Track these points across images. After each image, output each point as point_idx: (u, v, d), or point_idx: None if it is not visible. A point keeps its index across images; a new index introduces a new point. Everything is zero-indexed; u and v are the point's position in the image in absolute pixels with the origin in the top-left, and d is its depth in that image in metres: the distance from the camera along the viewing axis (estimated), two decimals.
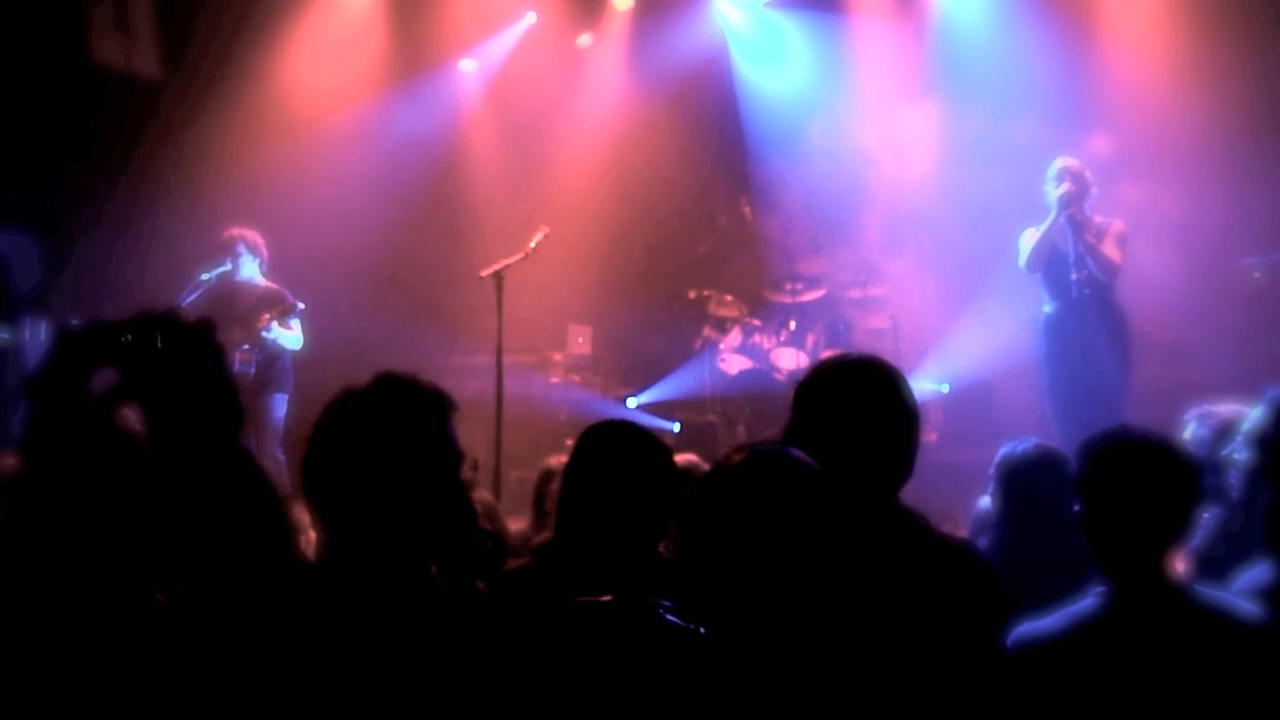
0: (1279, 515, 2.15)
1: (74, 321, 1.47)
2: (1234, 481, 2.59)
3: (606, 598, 1.80)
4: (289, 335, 5.91)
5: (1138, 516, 1.95)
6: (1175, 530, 1.97)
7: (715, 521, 1.62)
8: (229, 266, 5.96)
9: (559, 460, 3.34)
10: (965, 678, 1.71)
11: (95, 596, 1.48)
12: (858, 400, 1.86)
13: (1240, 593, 2.10)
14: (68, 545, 1.46)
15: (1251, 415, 2.53)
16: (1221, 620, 1.91)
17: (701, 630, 1.66)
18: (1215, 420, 2.91)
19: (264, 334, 5.81)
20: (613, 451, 2.29)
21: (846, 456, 1.81)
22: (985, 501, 3.16)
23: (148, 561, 1.53)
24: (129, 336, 1.44)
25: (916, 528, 1.84)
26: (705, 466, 3.26)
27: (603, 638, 1.73)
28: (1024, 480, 2.73)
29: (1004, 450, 2.84)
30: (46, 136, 6.33)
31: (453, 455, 1.73)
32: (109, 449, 1.47)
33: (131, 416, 1.50)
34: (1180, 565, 2.22)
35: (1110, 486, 1.98)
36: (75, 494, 1.45)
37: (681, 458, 3.33)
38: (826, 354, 7.55)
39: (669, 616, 1.72)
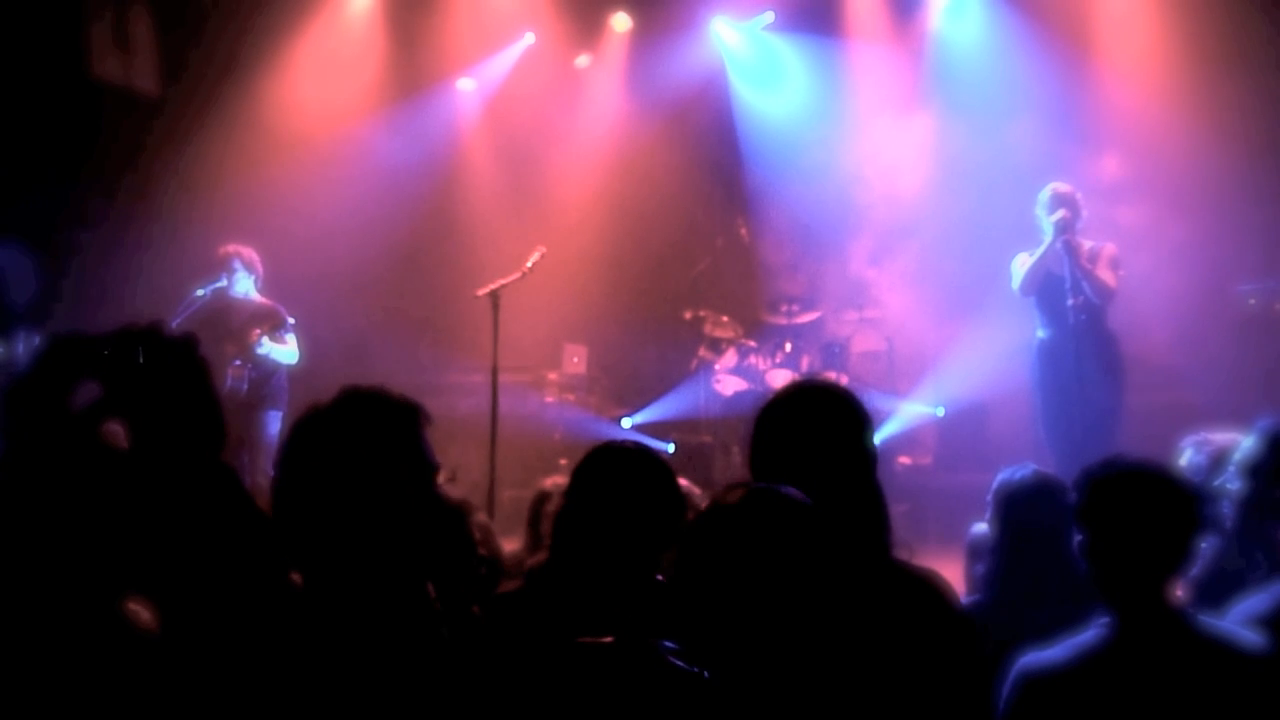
0: None
1: (60, 333, 1.45)
2: (1226, 512, 2.57)
3: (608, 639, 1.76)
4: (283, 350, 5.90)
5: (1139, 546, 1.95)
6: (1176, 559, 1.97)
7: (712, 560, 1.61)
8: (224, 282, 5.95)
9: (554, 481, 3.32)
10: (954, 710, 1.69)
11: (70, 613, 1.45)
12: (812, 430, 1.88)
13: (1239, 621, 2.09)
14: (42, 561, 1.43)
15: (1243, 445, 2.52)
16: (1227, 651, 1.91)
17: (705, 674, 1.63)
18: (1212, 448, 2.91)
19: (256, 349, 5.79)
20: (618, 475, 2.23)
21: (805, 486, 1.80)
22: (980, 527, 3.14)
23: (126, 578, 1.51)
24: (111, 350, 1.42)
25: (883, 561, 1.83)
26: (697, 491, 3.24)
27: (604, 680, 1.70)
28: (1021, 507, 2.72)
29: (1001, 476, 2.83)
30: (44, 151, 6.33)
31: (426, 467, 1.68)
32: (89, 463, 1.44)
33: (119, 433, 1.48)
34: (1179, 594, 2.20)
35: (1111, 516, 1.98)
36: (51, 508, 1.43)
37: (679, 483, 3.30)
38: (823, 376, 7.58)
39: (673, 659, 1.68)
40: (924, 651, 1.74)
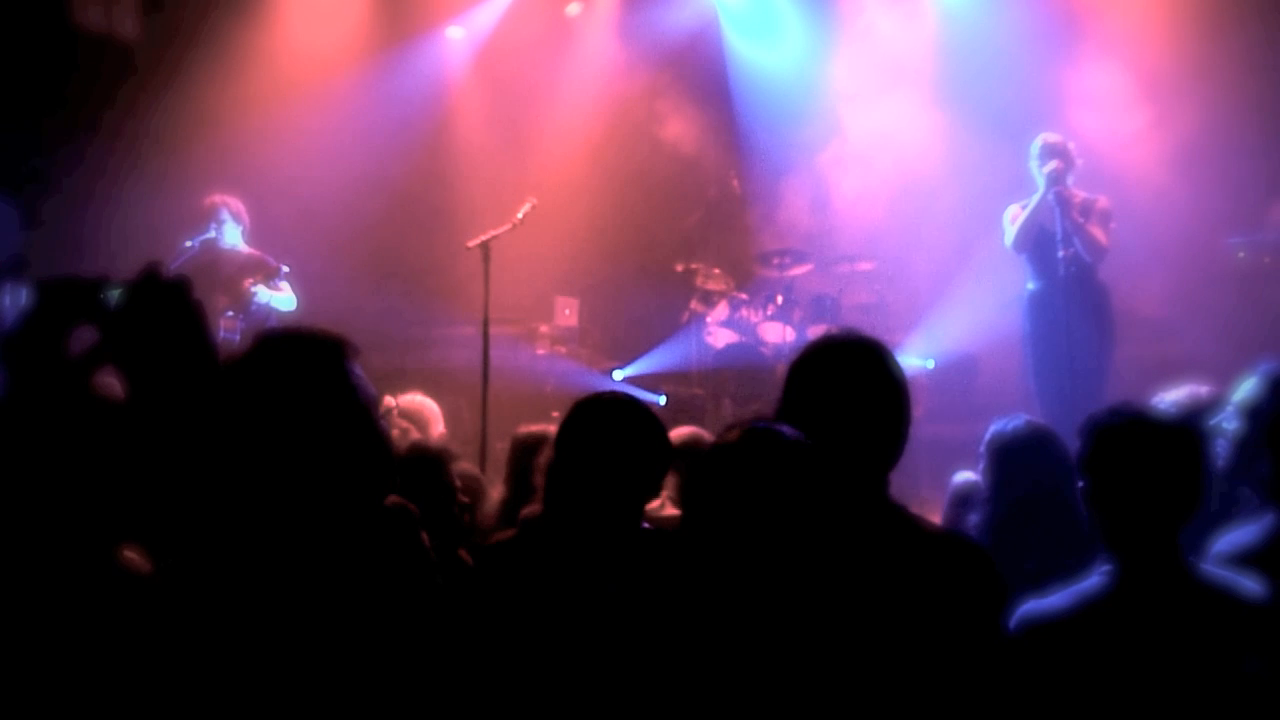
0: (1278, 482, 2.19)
1: (55, 277, 1.44)
2: (1221, 451, 2.61)
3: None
4: (280, 297, 5.88)
5: (1143, 493, 1.93)
6: (1188, 508, 1.95)
7: (715, 498, 1.63)
8: (212, 233, 5.91)
9: (541, 428, 3.32)
10: (965, 663, 1.70)
11: (67, 562, 1.45)
12: (850, 381, 1.82)
13: (1225, 553, 2.12)
14: (40, 506, 1.43)
15: (1244, 387, 2.55)
16: (1227, 598, 1.92)
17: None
18: (1167, 405, 2.95)
19: (253, 297, 5.77)
20: (608, 425, 2.22)
21: (837, 437, 1.78)
22: (964, 476, 3.18)
23: (123, 523, 1.51)
24: (107, 292, 1.41)
25: (900, 517, 1.82)
26: (709, 439, 3.25)
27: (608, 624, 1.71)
28: (1014, 457, 2.74)
29: (994, 427, 2.84)
30: (17, 96, 6.22)
31: (355, 399, 1.63)
32: (86, 408, 1.43)
33: (113, 384, 1.48)
34: None
35: (1116, 462, 1.97)
36: (50, 453, 1.42)
37: (684, 430, 3.33)
38: (813, 329, 7.58)
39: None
40: (943, 608, 1.72)
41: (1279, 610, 1.90)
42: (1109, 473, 1.98)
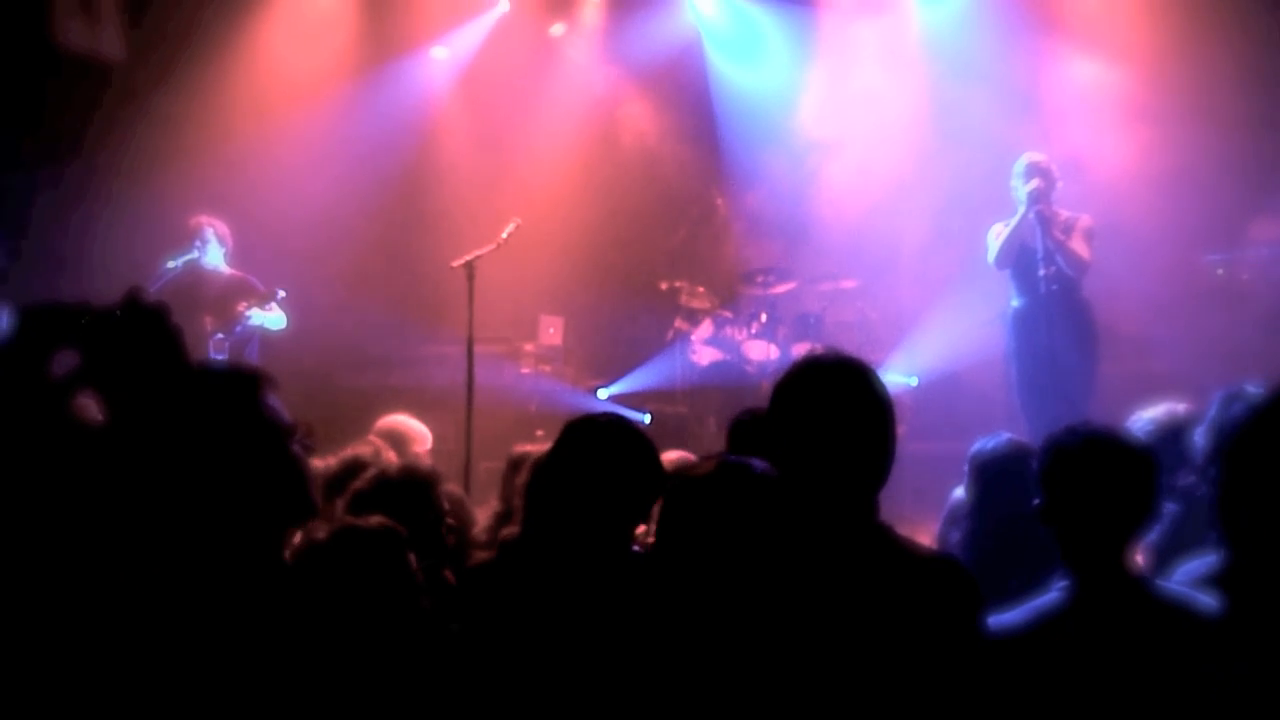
0: (1225, 501, 2.22)
1: (37, 303, 1.44)
2: (1189, 477, 2.63)
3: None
4: (272, 317, 5.88)
5: (1098, 510, 1.98)
6: (1135, 524, 2.00)
7: (683, 529, 1.63)
8: (196, 254, 5.90)
9: (536, 448, 3.30)
10: (943, 682, 1.70)
11: (45, 583, 1.45)
12: (835, 402, 1.81)
13: (1184, 581, 2.14)
14: (19, 531, 1.42)
15: (1211, 409, 2.59)
16: (1181, 613, 1.94)
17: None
18: (1145, 423, 2.98)
19: (246, 321, 5.77)
20: (600, 447, 2.19)
21: (823, 459, 1.78)
22: (960, 493, 3.19)
23: (101, 545, 1.51)
24: (89, 317, 1.42)
25: (885, 539, 1.81)
26: (693, 458, 3.22)
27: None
28: (996, 474, 2.77)
29: (977, 445, 2.87)
30: (3, 117, 6.19)
31: (270, 430, 1.69)
32: (66, 433, 1.43)
33: (92, 407, 1.48)
34: (1139, 559, 2.25)
35: (1069, 480, 2.01)
36: (31, 479, 1.42)
37: (674, 455, 3.31)
38: (797, 347, 7.61)
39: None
40: (922, 630, 1.71)
41: (1233, 625, 1.92)
42: (1062, 490, 2.02)
